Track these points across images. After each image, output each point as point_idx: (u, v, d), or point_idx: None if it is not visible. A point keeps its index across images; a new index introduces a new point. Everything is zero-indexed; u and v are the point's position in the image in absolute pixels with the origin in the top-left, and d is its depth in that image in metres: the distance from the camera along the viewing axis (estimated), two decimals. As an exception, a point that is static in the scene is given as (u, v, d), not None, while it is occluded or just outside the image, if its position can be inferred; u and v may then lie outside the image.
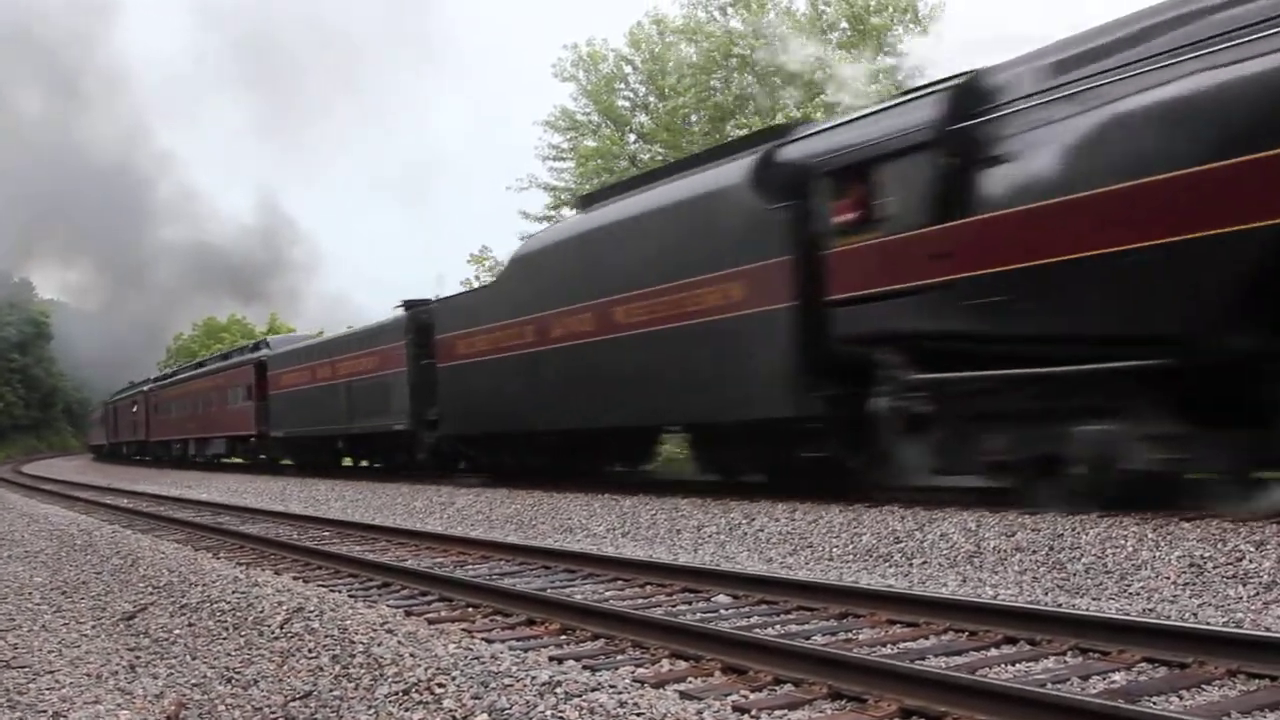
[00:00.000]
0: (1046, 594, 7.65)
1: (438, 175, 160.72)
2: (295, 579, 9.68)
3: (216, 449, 36.41)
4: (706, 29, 28.21)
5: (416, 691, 5.37)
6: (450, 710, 5.02)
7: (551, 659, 6.01)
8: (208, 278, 78.59)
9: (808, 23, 27.25)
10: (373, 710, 5.34)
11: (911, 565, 9.05)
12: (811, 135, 12.56)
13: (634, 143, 31.37)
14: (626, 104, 31.48)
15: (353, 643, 6.38)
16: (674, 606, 7.81)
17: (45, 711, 5.66)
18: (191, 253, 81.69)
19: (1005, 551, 8.65)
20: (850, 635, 6.59)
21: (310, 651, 6.54)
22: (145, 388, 46.48)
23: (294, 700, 5.77)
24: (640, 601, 8.05)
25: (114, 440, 54.91)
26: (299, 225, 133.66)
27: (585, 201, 17.47)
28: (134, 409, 47.98)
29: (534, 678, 5.18)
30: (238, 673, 6.55)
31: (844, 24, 27.56)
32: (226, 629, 7.65)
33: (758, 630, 6.64)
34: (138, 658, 7.29)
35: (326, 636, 6.68)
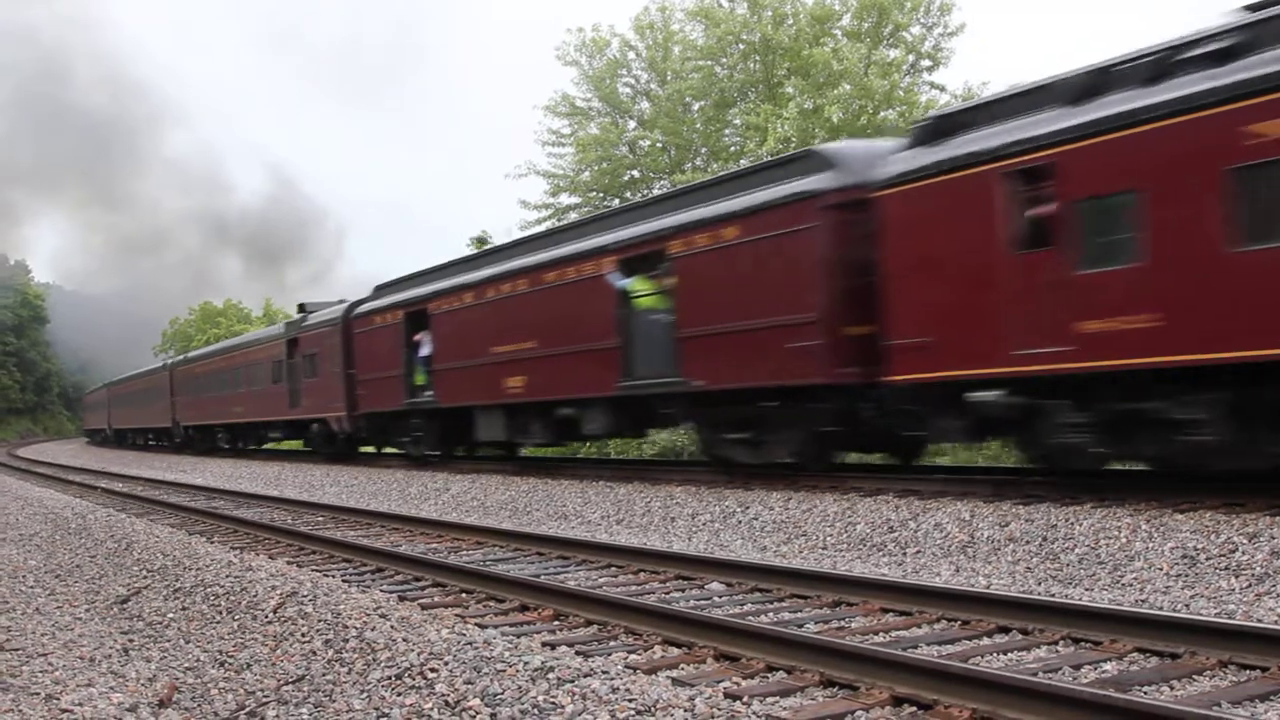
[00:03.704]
0: (1040, 584, 7.67)
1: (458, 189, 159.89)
2: (289, 564, 9.68)
3: None
4: (715, 14, 28.15)
5: (409, 676, 5.37)
6: (443, 695, 5.02)
7: (544, 645, 6.02)
8: (226, 247, 76.31)
9: (819, 13, 27.17)
10: (365, 694, 5.34)
11: (905, 554, 9.06)
12: None
13: (633, 129, 31.35)
14: (628, 90, 31.46)
15: (346, 627, 6.39)
16: (667, 594, 7.82)
17: (39, 694, 5.65)
18: (209, 218, 79.83)
19: (999, 541, 8.66)
20: (843, 624, 6.60)
21: (303, 636, 6.54)
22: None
23: (287, 684, 5.78)
24: (634, 588, 8.06)
25: (349, 413, 22.88)
26: (320, 206, 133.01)
27: None
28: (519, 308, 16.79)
29: (527, 663, 5.18)
30: (231, 656, 6.55)
31: (848, 17, 27.51)
32: (220, 613, 7.65)
33: (751, 618, 6.65)
34: (131, 641, 7.29)
35: (320, 621, 6.68)
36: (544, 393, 15.95)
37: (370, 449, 24.69)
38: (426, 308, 19.28)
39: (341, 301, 24.57)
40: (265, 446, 31.20)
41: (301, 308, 26.66)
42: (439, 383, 18.88)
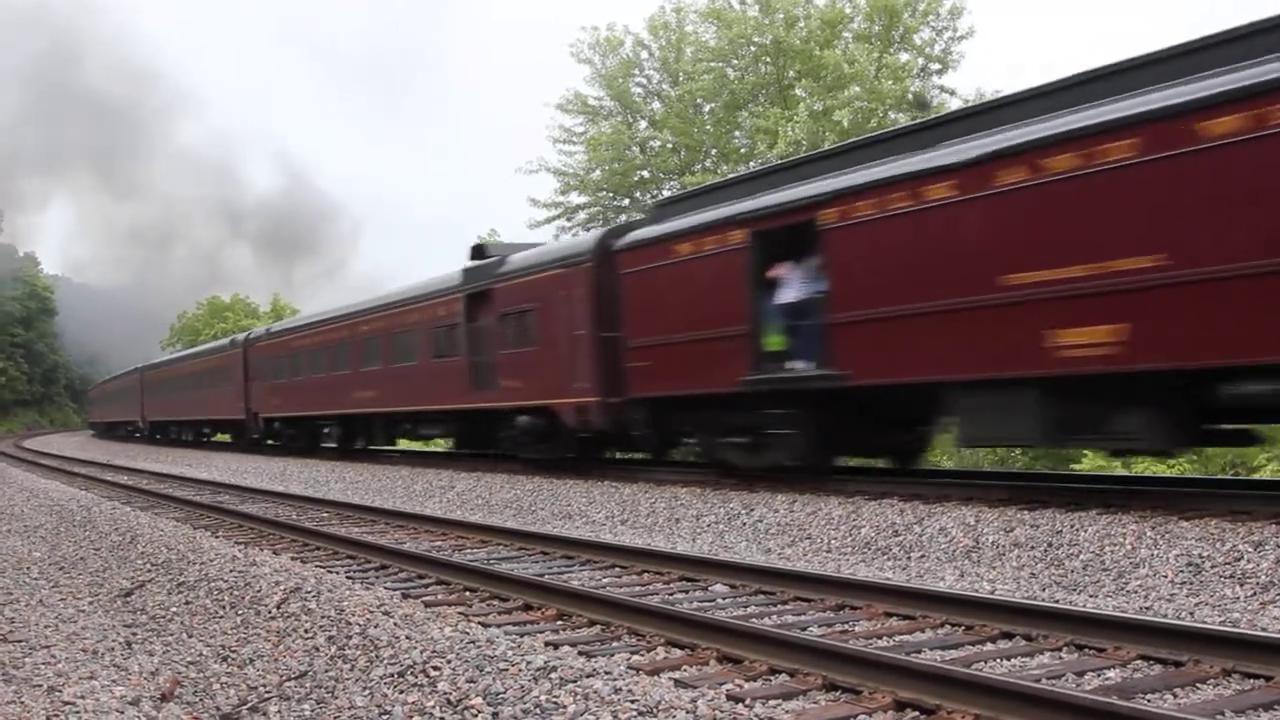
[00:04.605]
0: (1044, 590, 7.65)
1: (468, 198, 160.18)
2: (293, 559, 9.69)
3: None
4: (727, 15, 28.20)
5: (412, 674, 5.37)
6: (445, 693, 5.02)
7: (547, 644, 6.02)
8: (238, 240, 75.63)
9: (830, 15, 27.17)
10: (367, 691, 5.34)
11: (910, 559, 9.04)
12: None
13: (644, 129, 31.40)
14: (640, 90, 31.54)
15: (349, 624, 6.39)
16: (671, 595, 7.82)
17: (40, 685, 5.67)
18: (222, 209, 79.40)
19: (1004, 547, 8.65)
20: (847, 627, 6.59)
21: (306, 632, 6.55)
22: None
23: (289, 680, 5.78)
24: (637, 589, 8.06)
25: (605, 398, 14.62)
26: (335, 202, 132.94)
27: None
28: None
29: (529, 662, 5.18)
30: (233, 651, 6.56)
31: (859, 19, 27.52)
32: (223, 607, 7.66)
33: (754, 620, 6.64)
34: (134, 634, 7.31)
35: (323, 617, 6.69)
36: (1187, 355, 8.13)
37: (637, 455, 16.60)
38: (813, 218, 11.19)
39: (560, 235, 17.64)
40: (402, 447, 22.69)
41: (479, 251, 18.88)
42: (840, 343, 11.03)
